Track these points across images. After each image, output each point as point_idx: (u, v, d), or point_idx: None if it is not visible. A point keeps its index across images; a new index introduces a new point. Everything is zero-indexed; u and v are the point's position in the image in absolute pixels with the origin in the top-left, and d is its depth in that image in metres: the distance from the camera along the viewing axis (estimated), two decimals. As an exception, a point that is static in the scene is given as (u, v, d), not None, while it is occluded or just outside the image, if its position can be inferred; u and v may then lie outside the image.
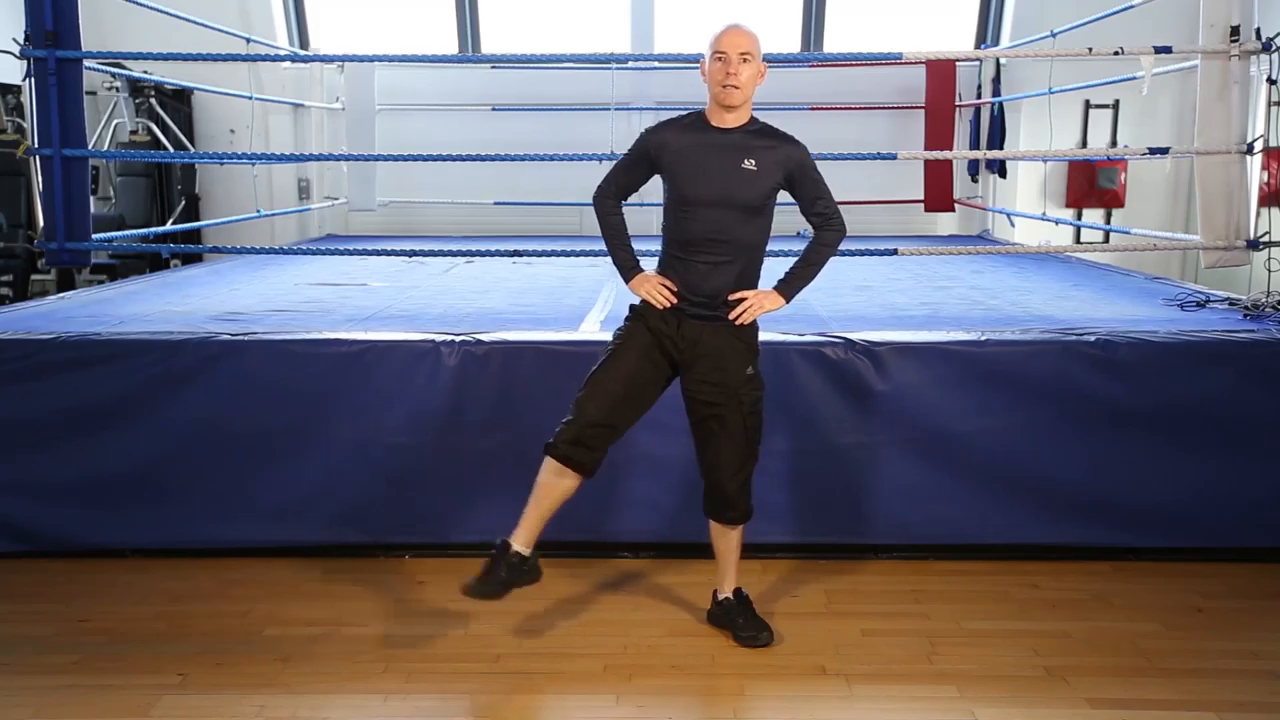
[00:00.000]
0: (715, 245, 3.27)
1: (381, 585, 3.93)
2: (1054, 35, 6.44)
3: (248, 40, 7.14)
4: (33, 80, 4.61)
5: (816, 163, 3.36)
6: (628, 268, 3.43)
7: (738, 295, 3.30)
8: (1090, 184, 9.04)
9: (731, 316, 3.29)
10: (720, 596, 3.55)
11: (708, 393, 3.32)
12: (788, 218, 10.54)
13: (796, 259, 3.46)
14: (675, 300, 3.30)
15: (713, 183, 3.25)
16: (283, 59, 8.95)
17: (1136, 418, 4.05)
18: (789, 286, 3.40)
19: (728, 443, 3.34)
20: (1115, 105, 8.89)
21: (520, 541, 3.34)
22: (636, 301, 3.40)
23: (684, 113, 3.38)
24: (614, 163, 3.50)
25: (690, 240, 3.30)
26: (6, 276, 7.65)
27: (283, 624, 3.60)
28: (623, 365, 3.32)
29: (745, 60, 3.19)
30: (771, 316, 4.79)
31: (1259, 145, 4.68)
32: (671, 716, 3.03)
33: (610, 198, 3.47)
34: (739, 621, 3.47)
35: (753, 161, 3.25)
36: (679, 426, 3.47)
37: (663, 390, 3.40)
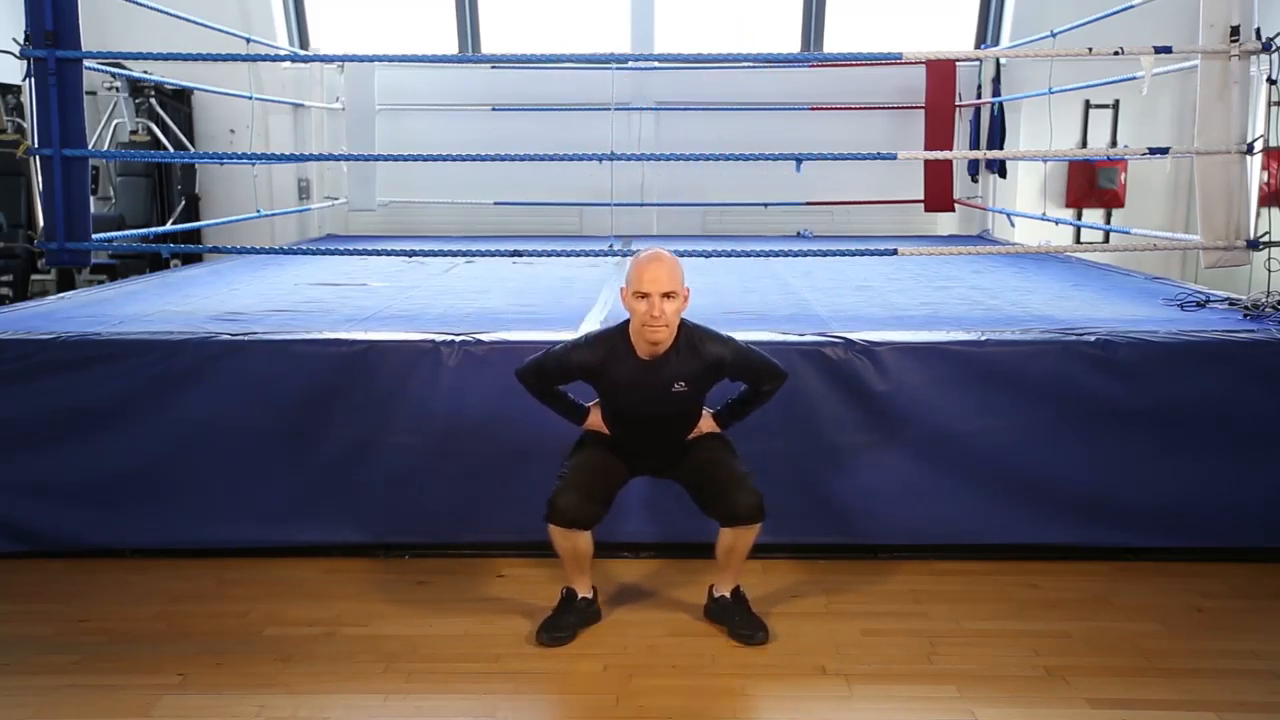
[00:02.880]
0: (655, 434, 3.49)
1: (381, 585, 3.93)
2: (1054, 35, 6.44)
3: (248, 40, 7.13)
4: (33, 80, 4.60)
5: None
6: (579, 414, 3.55)
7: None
8: (1090, 184, 9.03)
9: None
10: (717, 594, 3.56)
11: (689, 463, 3.51)
12: (787, 217, 10.45)
13: (736, 398, 3.56)
14: None
15: (644, 405, 3.39)
16: (283, 59, 8.95)
17: (1136, 418, 4.04)
18: (723, 420, 3.56)
19: (715, 455, 3.48)
20: (1115, 105, 8.89)
21: (582, 588, 3.54)
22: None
23: (608, 329, 3.45)
24: (535, 358, 3.51)
25: (629, 429, 3.49)
26: (6, 276, 7.65)
27: (283, 624, 3.60)
28: (589, 457, 3.48)
29: (668, 298, 3.22)
30: (771, 316, 4.80)
31: (1259, 145, 4.67)
32: (671, 716, 3.03)
33: (535, 388, 3.54)
34: (735, 619, 3.48)
35: (683, 384, 3.35)
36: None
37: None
